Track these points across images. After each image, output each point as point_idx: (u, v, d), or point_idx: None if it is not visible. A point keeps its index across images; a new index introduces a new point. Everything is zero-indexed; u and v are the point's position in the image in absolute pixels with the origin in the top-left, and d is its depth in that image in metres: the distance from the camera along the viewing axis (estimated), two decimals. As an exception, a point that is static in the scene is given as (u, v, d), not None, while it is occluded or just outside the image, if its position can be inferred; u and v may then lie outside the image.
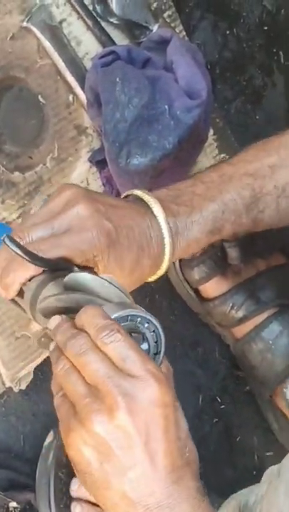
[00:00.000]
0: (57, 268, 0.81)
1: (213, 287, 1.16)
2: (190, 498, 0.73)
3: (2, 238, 0.79)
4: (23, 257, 0.78)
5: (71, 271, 0.81)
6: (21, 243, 0.80)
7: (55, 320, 0.77)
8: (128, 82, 1.03)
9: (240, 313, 1.15)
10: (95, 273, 0.83)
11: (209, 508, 0.74)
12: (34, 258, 0.79)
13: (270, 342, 1.14)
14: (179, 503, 0.72)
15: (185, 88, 1.05)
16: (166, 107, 1.04)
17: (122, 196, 0.93)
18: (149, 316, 0.75)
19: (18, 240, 0.80)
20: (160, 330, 0.76)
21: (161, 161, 1.04)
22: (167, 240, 0.88)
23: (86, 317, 0.74)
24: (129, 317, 0.74)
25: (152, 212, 0.88)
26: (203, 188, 0.92)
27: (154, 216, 0.87)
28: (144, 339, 0.75)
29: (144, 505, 0.72)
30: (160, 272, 0.91)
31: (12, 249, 0.78)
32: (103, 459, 0.71)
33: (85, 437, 0.71)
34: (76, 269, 0.82)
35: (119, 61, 1.06)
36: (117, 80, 1.03)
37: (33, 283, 0.82)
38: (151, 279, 0.92)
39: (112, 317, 0.73)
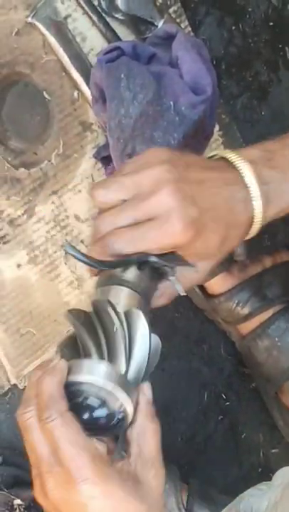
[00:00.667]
0: (123, 264, 0.82)
1: (219, 284, 1.16)
2: None
3: (63, 247, 0.79)
4: (88, 264, 0.80)
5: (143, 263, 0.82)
6: (109, 228, 0.81)
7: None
8: (133, 78, 1.03)
9: (245, 310, 1.14)
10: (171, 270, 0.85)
11: None
12: (97, 262, 0.80)
13: (276, 339, 1.14)
14: None
15: (190, 84, 1.04)
16: (172, 102, 1.03)
17: (208, 156, 0.89)
18: (111, 389, 0.76)
19: (109, 223, 0.81)
20: (126, 406, 0.77)
21: (166, 157, 1.03)
22: (258, 211, 0.84)
23: (40, 386, 0.76)
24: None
25: (243, 180, 0.83)
26: None
27: (246, 186, 0.83)
28: (104, 405, 0.77)
29: None
30: (248, 237, 0.88)
31: (76, 258, 0.79)
32: None
33: (41, 502, 0.77)
34: (153, 257, 0.82)
35: (124, 57, 1.05)
36: (122, 76, 1.03)
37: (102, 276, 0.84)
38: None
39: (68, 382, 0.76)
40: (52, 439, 0.73)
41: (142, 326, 0.80)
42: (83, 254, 0.80)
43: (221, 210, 0.82)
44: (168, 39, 1.09)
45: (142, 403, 0.80)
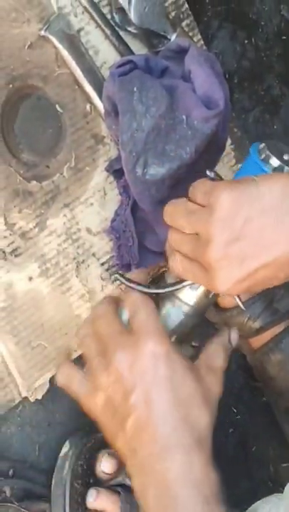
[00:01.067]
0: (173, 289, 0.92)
1: (231, 297, 1.16)
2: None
3: (115, 276, 0.95)
4: (141, 290, 0.90)
5: None
6: (174, 247, 0.90)
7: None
8: (145, 91, 1.03)
9: (257, 324, 1.14)
10: None
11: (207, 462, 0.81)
12: (145, 287, 0.91)
13: None
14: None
15: (203, 98, 1.04)
16: (184, 116, 1.03)
17: None
18: None
19: (174, 245, 0.90)
20: None
21: (178, 170, 1.03)
22: None
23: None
24: None
25: None
26: None
27: None
28: None
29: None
30: None
31: (129, 286, 0.91)
32: (108, 409, 0.81)
33: (96, 387, 0.83)
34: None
35: (136, 70, 1.06)
36: (135, 89, 1.03)
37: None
38: None
39: None
40: (133, 309, 0.84)
41: None
42: (135, 283, 0.90)
43: (283, 258, 0.82)
44: (180, 53, 1.09)
45: (223, 337, 0.92)
